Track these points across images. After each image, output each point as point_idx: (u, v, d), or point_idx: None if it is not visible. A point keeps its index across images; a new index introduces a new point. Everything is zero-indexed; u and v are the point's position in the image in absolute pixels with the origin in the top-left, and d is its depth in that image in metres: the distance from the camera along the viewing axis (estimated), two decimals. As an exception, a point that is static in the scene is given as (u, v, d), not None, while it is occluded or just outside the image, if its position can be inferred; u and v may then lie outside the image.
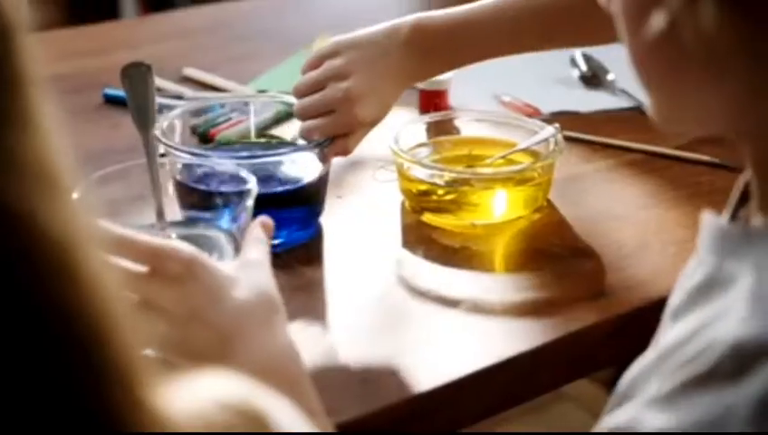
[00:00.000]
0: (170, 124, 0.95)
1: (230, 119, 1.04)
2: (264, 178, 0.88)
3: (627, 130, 1.19)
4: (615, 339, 0.85)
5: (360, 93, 0.97)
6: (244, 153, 0.95)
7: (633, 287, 0.87)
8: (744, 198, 0.63)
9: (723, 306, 0.55)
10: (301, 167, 0.95)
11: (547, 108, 1.23)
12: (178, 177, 0.90)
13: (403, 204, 1.01)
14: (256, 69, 1.37)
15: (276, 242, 0.90)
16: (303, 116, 0.99)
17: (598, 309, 0.85)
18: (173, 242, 0.70)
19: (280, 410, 0.42)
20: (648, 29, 0.55)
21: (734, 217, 0.64)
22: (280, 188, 0.92)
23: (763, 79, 0.54)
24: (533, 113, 1.21)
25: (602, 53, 1.28)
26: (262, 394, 0.41)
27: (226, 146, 1.03)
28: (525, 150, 1.04)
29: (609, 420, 0.58)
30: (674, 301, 0.65)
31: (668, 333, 0.61)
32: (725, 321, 0.54)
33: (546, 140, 1.02)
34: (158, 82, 1.30)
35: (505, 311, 0.85)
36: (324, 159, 0.95)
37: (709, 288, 0.59)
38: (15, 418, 0.33)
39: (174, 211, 0.86)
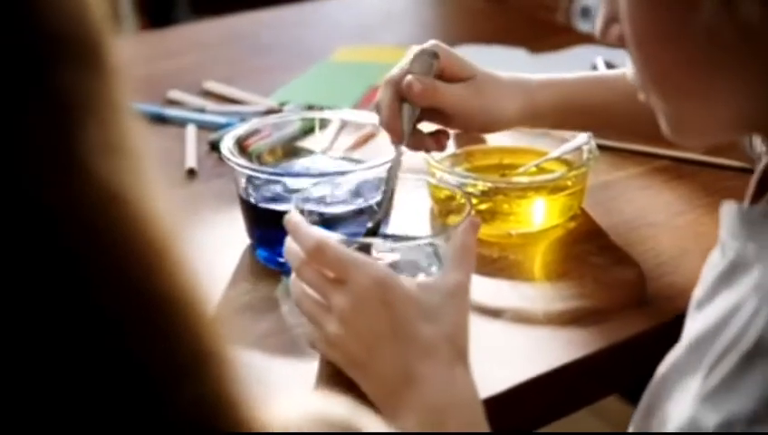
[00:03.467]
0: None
1: (258, 131, 1.03)
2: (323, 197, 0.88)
3: (652, 136, 1.18)
4: (661, 347, 0.84)
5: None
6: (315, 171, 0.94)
7: (676, 295, 0.86)
8: (764, 187, 0.64)
9: (752, 285, 0.55)
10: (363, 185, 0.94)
11: (572, 116, 1.23)
12: (249, 196, 0.90)
13: (432, 211, 1.00)
14: (274, 81, 1.37)
15: None
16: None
17: (642, 317, 0.84)
18: (367, 259, 0.71)
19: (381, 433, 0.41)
20: (681, 40, 0.56)
21: (753, 204, 0.65)
22: (342, 208, 0.90)
23: None
24: (559, 121, 1.21)
25: (624, 60, 1.27)
26: (363, 416, 0.40)
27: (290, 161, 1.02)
28: (557, 159, 1.03)
29: (663, 428, 0.58)
30: (698, 293, 0.65)
31: (695, 324, 0.62)
32: (760, 298, 0.53)
33: (579, 147, 1.01)
34: (179, 95, 1.29)
35: (549, 320, 0.84)
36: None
37: (733, 273, 0.60)
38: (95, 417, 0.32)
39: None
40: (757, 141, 0.84)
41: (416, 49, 0.90)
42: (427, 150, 0.93)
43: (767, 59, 0.55)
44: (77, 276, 0.32)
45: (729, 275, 0.60)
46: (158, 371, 0.33)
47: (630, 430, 0.68)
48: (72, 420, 0.32)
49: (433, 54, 0.88)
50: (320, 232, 0.73)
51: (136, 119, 0.36)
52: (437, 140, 0.92)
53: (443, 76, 0.90)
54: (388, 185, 0.84)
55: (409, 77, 0.87)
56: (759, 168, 0.66)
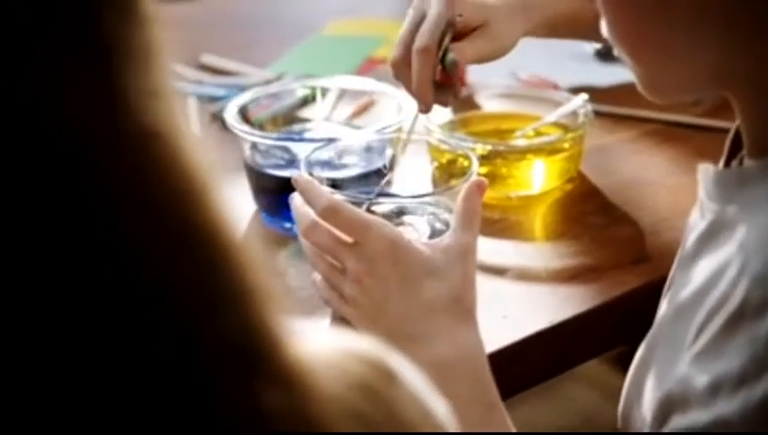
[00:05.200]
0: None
1: (259, 101, 1.04)
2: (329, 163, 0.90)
3: (644, 101, 1.20)
4: (659, 302, 0.86)
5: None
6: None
7: (673, 251, 0.89)
8: (737, 147, 0.66)
9: (734, 248, 0.57)
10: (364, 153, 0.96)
11: (565, 83, 1.25)
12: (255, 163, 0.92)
13: (434, 177, 1.02)
14: (269, 55, 1.38)
15: None
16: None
17: (640, 273, 0.87)
18: (379, 220, 0.73)
19: (408, 370, 0.42)
20: None
21: (727, 165, 0.67)
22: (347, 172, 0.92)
23: (749, 23, 0.57)
24: (552, 88, 1.23)
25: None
26: (391, 352, 0.42)
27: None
28: (554, 123, 1.05)
29: (657, 387, 0.60)
30: (680, 251, 0.67)
31: (682, 283, 0.64)
32: (743, 260, 0.55)
33: (575, 111, 1.03)
34: (178, 69, 1.31)
35: (551, 278, 0.87)
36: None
37: (715, 233, 0.62)
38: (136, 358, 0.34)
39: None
40: None
41: (427, 8, 0.90)
42: (449, 105, 0.95)
43: (719, 10, 0.57)
44: (121, 211, 0.34)
45: (711, 236, 0.62)
46: (201, 302, 0.35)
47: (626, 384, 0.70)
48: (111, 349, 0.33)
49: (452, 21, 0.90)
50: (331, 193, 0.75)
51: (170, 64, 0.38)
52: (452, 91, 0.93)
53: (459, 31, 0.91)
54: (403, 147, 0.86)
55: (451, 56, 0.89)
56: (732, 128, 0.68)
